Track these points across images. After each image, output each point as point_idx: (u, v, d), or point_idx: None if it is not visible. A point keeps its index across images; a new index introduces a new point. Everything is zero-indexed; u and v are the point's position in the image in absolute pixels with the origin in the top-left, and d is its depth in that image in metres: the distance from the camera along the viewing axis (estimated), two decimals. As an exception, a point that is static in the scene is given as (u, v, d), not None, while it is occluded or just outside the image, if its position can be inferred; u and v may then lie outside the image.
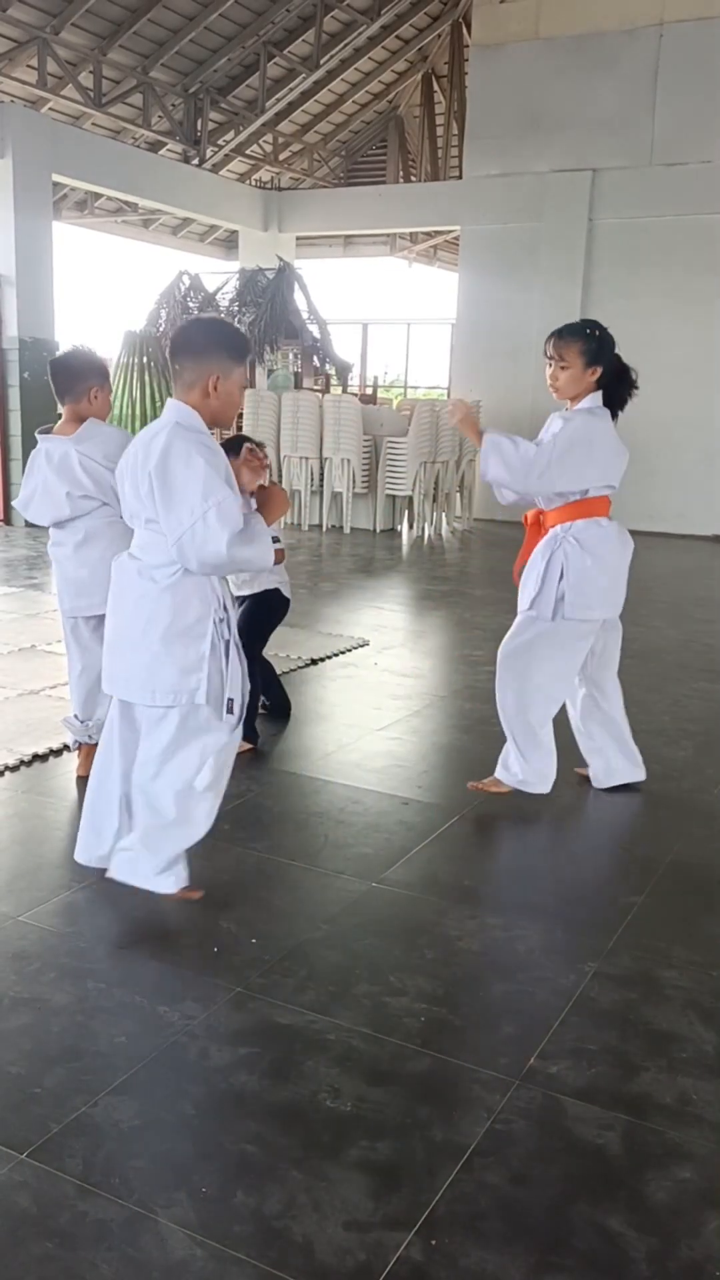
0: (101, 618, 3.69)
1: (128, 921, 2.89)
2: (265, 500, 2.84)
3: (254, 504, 2.87)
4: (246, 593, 4.26)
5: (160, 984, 2.55)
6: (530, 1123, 2.11)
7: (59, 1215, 1.84)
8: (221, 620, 2.70)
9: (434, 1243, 1.81)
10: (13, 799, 3.68)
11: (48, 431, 3.71)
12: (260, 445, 3.17)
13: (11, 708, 4.64)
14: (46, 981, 2.55)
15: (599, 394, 3.54)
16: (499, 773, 3.78)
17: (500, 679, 3.76)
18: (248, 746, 4.19)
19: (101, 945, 2.74)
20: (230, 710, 2.73)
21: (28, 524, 10.71)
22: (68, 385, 3.61)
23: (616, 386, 3.57)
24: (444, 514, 11.39)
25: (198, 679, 2.66)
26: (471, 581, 8.72)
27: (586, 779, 3.97)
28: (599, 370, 3.49)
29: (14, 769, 3.93)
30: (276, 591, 4.32)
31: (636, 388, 3.61)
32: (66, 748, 4.13)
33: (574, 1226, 1.85)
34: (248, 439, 4.38)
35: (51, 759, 4.06)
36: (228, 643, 2.72)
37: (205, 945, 2.74)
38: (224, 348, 2.64)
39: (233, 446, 4.25)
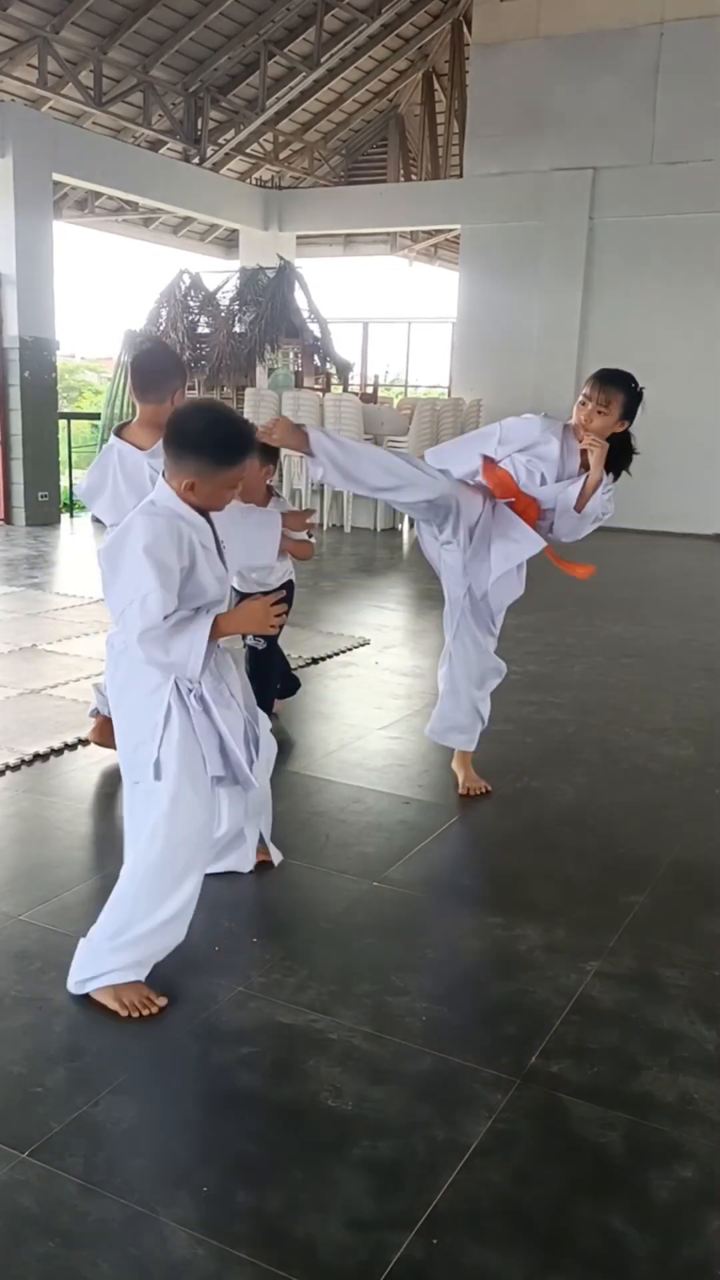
0: None
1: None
2: (236, 615, 2.50)
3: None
4: (269, 587, 4.23)
5: (161, 983, 2.55)
6: (532, 1122, 2.11)
7: (60, 1214, 1.84)
8: (189, 691, 2.45)
9: (435, 1242, 1.81)
10: (14, 798, 3.68)
11: (124, 427, 3.66)
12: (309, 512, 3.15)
13: (12, 707, 4.64)
14: (48, 981, 2.55)
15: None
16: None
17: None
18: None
19: (103, 944, 2.74)
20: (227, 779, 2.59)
21: (30, 520, 10.73)
22: (153, 384, 3.55)
23: (621, 452, 3.59)
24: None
25: (148, 752, 2.42)
26: (472, 580, 8.72)
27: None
28: (626, 425, 3.54)
29: (15, 768, 3.93)
30: (291, 583, 4.39)
31: (637, 453, 3.63)
32: (68, 746, 4.13)
33: (575, 1226, 1.85)
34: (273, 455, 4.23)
35: (53, 758, 4.06)
36: (205, 711, 2.48)
37: (206, 944, 2.74)
38: (201, 453, 2.33)
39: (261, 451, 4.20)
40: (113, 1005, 2.42)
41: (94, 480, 3.68)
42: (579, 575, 3.77)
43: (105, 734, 3.86)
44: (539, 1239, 1.82)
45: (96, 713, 3.99)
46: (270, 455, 4.01)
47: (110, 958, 2.44)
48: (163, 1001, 2.45)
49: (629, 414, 3.51)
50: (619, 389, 3.49)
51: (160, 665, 2.37)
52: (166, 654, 2.33)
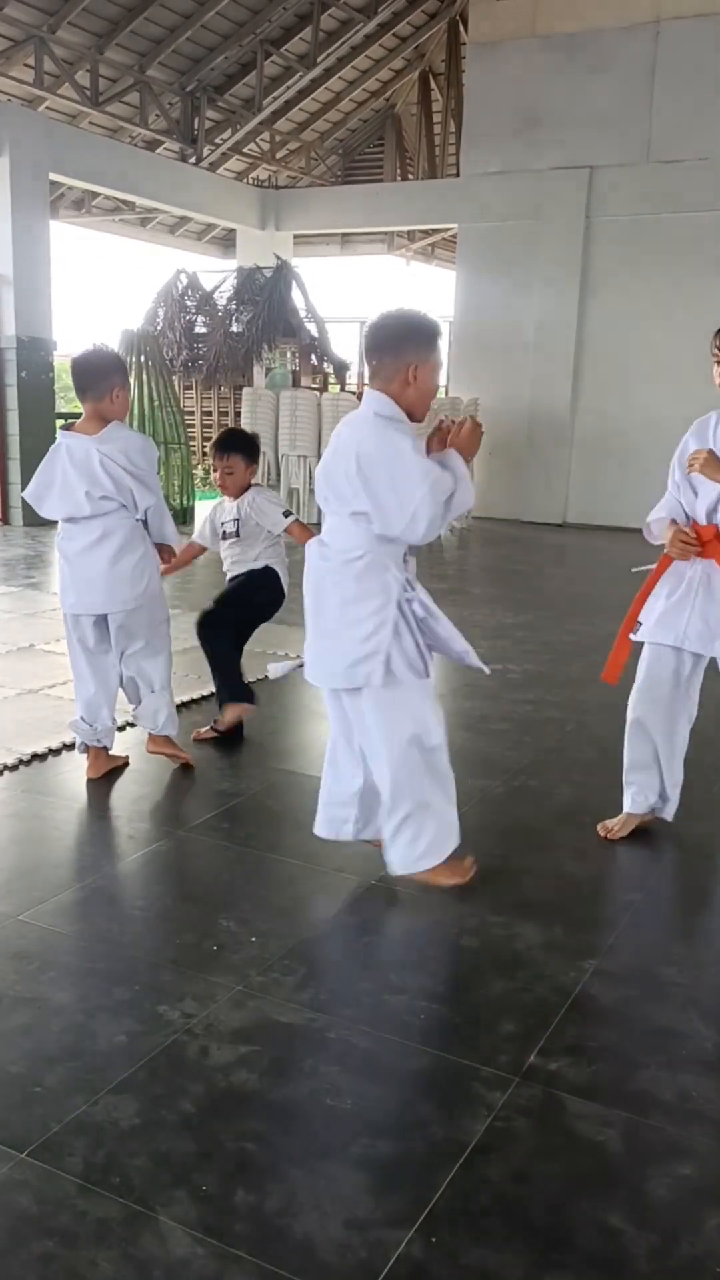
0: (102, 618, 3.70)
1: (127, 920, 2.89)
2: (464, 443, 2.86)
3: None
4: (239, 571, 4.33)
5: (160, 983, 2.55)
6: (530, 1120, 2.11)
7: (59, 1214, 1.84)
8: (409, 600, 2.82)
9: (434, 1240, 1.81)
10: (12, 799, 3.68)
11: (69, 428, 3.72)
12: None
13: (10, 707, 4.64)
14: (46, 980, 2.55)
15: None
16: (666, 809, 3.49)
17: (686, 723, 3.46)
18: (249, 709, 4.30)
19: (101, 944, 2.74)
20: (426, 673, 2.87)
21: (27, 520, 10.72)
22: (90, 383, 3.61)
23: None
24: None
25: (379, 659, 2.76)
26: (470, 580, 8.72)
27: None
28: None
29: (13, 768, 3.92)
30: (270, 571, 4.34)
31: None
32: (66, 746, 4.13)
33: (574, 1223, 1.85)
34: (241, 432, 4.45)
35: (51, 758, 4.05)
36: (420, 619, 2.85)
37: (205, 944, 2.74)
38: (417, 338, 2.72)
39: (235, 444, 4.27)
40: (447, 880, 2.94)
41: (42, 481, 3.69)
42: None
43: (101, 765, 3.89)
44: (538, 1237, 1.82)
45: (86, 747, 3.88)
46: (253, 456, 4.31)
47: (442, 840, 2.91)
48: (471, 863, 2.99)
49: None
50: None
51: (454, 514, 2.79)
52: (454, 510, 2.77)
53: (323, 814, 3.15)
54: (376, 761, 2.89)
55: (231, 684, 4.27)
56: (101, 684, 3.80)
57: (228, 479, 4.26)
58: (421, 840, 2.89)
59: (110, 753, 3.93)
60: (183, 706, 4.73)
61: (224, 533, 4.33)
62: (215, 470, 4.32)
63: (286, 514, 4.28)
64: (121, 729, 4.36)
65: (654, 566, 3.36)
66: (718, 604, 3.19)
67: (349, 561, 2.78)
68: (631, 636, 3.38)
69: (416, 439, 2.74)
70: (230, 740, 4.30)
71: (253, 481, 4.33)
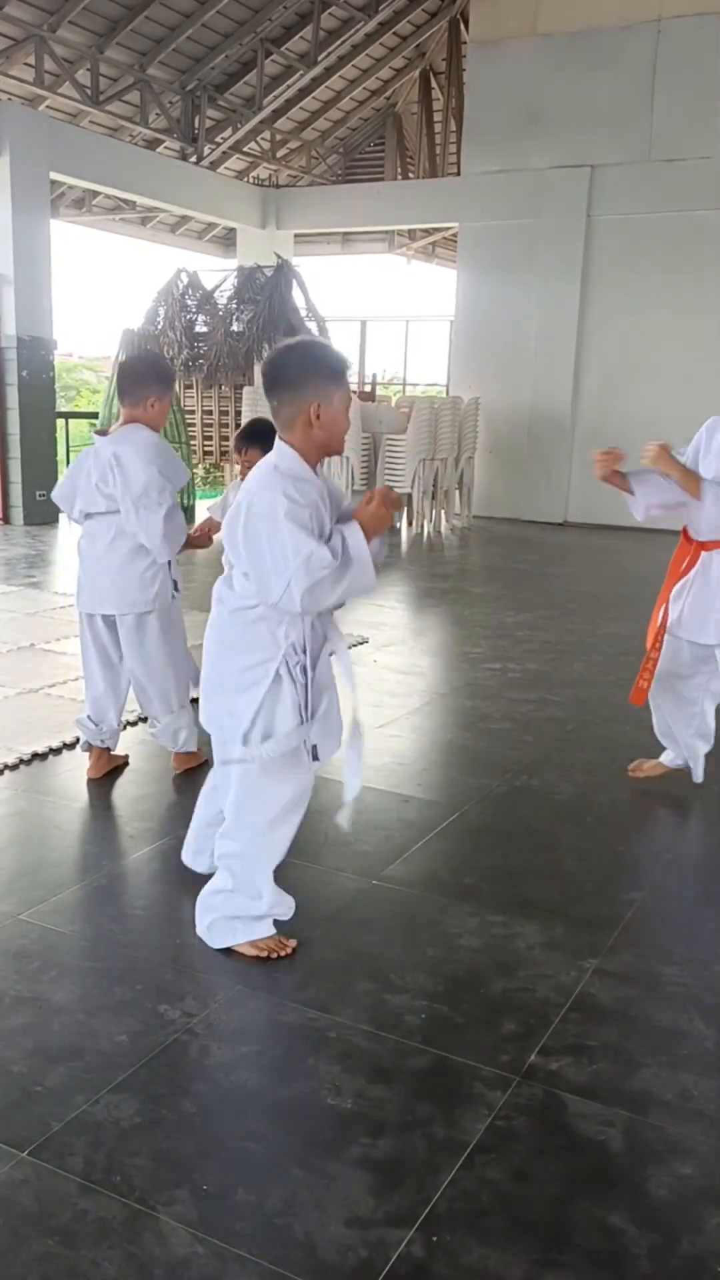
0: (112, 618, 3.68)
1: (128, 919, 2.89)
2: (371, 516, 2.52)
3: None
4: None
5: (161, 982, 2.56)
6: (531, 1119, 2.11)
7: (60, 1213, 1.84)
8: (297, 663, 2.53)
9: (435, 1239, 1.81)
10: (12, 798, 3.68)
11: (104, 434, 3.70)
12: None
13: (11, 706, 4.64)
14: (47, 980, 2.55)
15: None
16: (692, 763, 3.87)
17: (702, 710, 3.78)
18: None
19: (102, 944, 2.74)
20: (314, 756, 2.61)
21: (28, 520, 10.72)
22: (128, 388, 3.62)
23: None
24: (443, 511, 11.39)
25: (247, 720, 2.53)
26: (471, 579, 8.72)
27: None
28: None
29: (13, 768, 3.93)
30: None
31: None
32: (66, 746, 4.13)
33: (575, 1223, 1.86)
34: (263, 423, 4.29)
35: (51, 757, 4.05)
36: (305, 685, 2.55)
37: (205, 943, 2.74)
38: (318, 372, 2.44)
39: (256, 436, 4.13)
40: (252, 952, 2.67)
41: (70, 481, 3.71)
42: None
43: (102, 765, 3.89)
44: (538, 1236, 1.83)
45: (90, 746, 3.87)
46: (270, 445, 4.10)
47: (249, 927, 2.69)
48: (292, 943, 2.72)
49: None
50: None
51: (330, 603, 2.48)
52: (345, 590, 2.44)
53: (191, 840, 3.02)
54: (224, 832, 2.70)
55: None
56: (110, 686, 3.79)
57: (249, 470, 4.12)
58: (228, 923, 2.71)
59: (112, 752, 3.93)
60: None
61: None
62: (240, 464, 4.09)
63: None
64: (123, 728, 4.36)
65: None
66: (706, 598, 3.53)
67: (238, 610, 2.55)
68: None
69: (320, 491, 2.48)
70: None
71: None
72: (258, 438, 4.16)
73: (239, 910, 2.69)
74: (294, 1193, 1.90)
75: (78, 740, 4.17)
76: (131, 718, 4.30)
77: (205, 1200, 1.88)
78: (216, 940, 2.70)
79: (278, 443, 2.53)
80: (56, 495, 3.78)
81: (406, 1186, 1.92)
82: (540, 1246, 1.80)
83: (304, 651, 2.54)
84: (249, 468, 4.11)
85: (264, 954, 2.67)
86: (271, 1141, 2.04)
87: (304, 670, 2.54)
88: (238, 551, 2.50)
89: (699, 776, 3.86)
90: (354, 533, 2.46)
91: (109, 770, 3.90)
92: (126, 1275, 1.72)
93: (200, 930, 2.74)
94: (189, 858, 3.03)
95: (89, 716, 3.82)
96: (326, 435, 2.49)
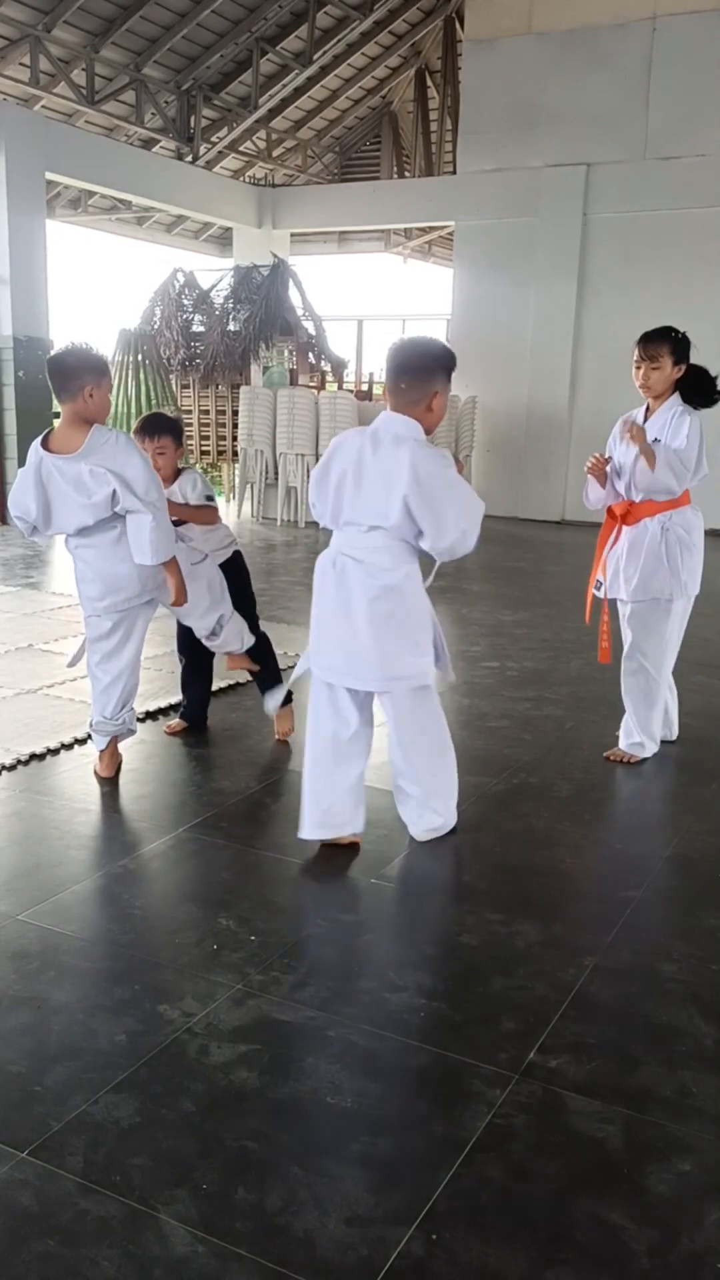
0: (123, 614, 3.69)
1: (127, 920, 2.89)
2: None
3: None
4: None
5: (160, 982, 2.56)
6: (530, 1117, 2.12)
7: (60, 1213, 1.84)
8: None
9: (435, 1237, 1.81)
10: (11, 799, 3.68)
11: (47, 438, 3.59)
12: None
13: (9, 707, 4.64)
14: (46, 980, 2.55)
15: (678, 393, 3.97)
16: (626, 744, 4.19)
17: (629, 663, 4.14)
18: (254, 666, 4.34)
19: (101, 944, 2.74)
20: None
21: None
22: (62, 384, 3.52)
23: (696, 385, 3.97)
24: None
25: (429, 662, 3.16)
26: (468, 577, 8.72)
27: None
28: (682, 368, 3.94)
29: (11, 768, 3.92)
30: (238, 554, 4.30)
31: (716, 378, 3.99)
32: (65, 746, 4.13)
33: (575, 1220, 1.86)
34: (162, 416, 4.26)
35: (49, 758, 4.05)
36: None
37: (205, 943, 2.74)
38: (445, 367, 3.00)
39: (158, 427, 4.06)
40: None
41: (38, 502, 3.61)
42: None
43: (113, 765, 3.91)
44: (538, 1233, 1.83)
45: (106, 745, 3.88)
46: (179, 438, 4.19)
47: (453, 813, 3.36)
48: None
49: (682, 357, 3.94)
50: (662, 340, 3.94)
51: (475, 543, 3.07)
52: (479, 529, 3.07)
53: (312, 816, 3.22)
54: (411, 751, 3.23)
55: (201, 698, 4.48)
56: (116, 677, 3.78)
57: (159, 459, 4.02)
58: (446, 809, 3.36)
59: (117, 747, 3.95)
60: (160, 713, 4.74)
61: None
62: (147, 452, 4.00)
63: (210, 498, 4.19)
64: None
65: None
66: (632, 560, 4.00)
67: (392, 575, 3.05)
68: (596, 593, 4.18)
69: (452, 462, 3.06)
70: (229, 740, 4.30)
71: (180, 465, 4.19)
72: (164, 428, 4.09)
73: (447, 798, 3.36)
74: (294, 1191, 1.90)
75: (76, 740, 4.18)
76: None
77: (205, 1199, 1.88)
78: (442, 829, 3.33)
79: (403, 419, 2.99)
80: (19, 513, 3.65)
81: (406, 1185, 1.92)
82: (540, 1244, 1.81)
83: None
84: (159, 455, 4.02)
85: None
86: (271, 1140, 2.04)
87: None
88: (385, 514, 2.98)
89: (675, 731, 4.39)
90: None
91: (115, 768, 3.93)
92: (126, 1274, 1.72)
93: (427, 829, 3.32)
94: (332, 829, 3.26)
95: (105, 717, 3.81)
96: (435, 418, 3.03)
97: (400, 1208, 1.87)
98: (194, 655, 4.36)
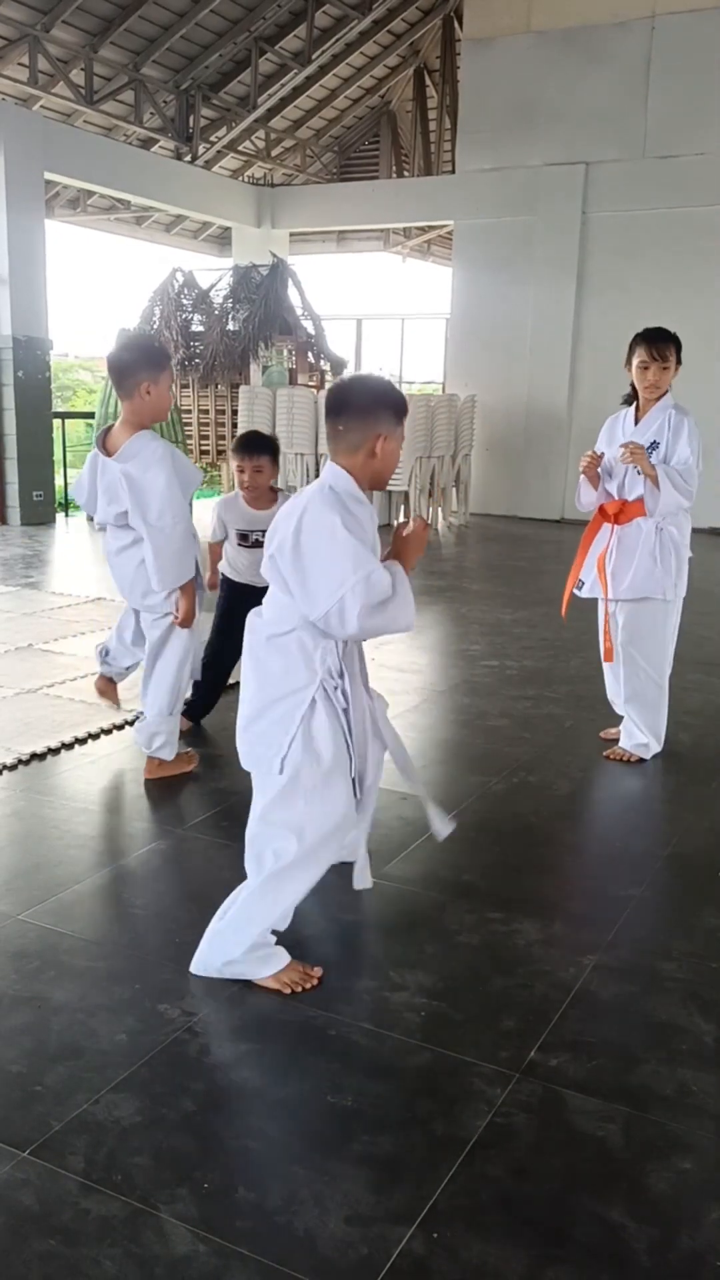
0: (154, 619, 3.78)
1: (127, 919, 2.89)
2: (402, 547, 2.56)
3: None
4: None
5: (160, 981, 2.56)
6: (531, 1116, 2.12)
7: (61, 1212, 1.84)
8: (335, 688, 2.49)
9: (436, 1236, 1.81)
10: (11, 798, 3.68)
11: (107, 431, 3.61)
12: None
13: (9, 706, 4.64)
14: (47, 980, 2.55)
15: (670, 392, 4.06)
16: (630, 745, 4.17)
17: (629, 666, 4.10)
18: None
19: (101, 943, 2.74)
20: (358, 787, 2.59)
21: (25, 520, 10.72)
22: (119, 382, 3.45)
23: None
24: (440, 509, 11.39)
25: (281, 746, 2.47)
26: (468, 576, 8.73)
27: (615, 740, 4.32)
28: (678, 369, 4.05)
29: (11, 768, 3.92)
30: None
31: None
32: (65, 746, 4.14)
33: (575, 1218, 1.86)
34: (263, 435, 4.23)
35: (50, 757, 4.06)
36: (345, 710, 2.51)
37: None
38: (390, 407, 2.49)
39: (255, 445, 4.06)
40: (275, 986, 2.54)
41: (88, 490, 3.72)
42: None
43: (112, 692, 4.20)
44: (539, 1232, 1.83)
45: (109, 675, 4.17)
46: (276, 456, 4.13)
47: (256, 966, 2.55)
48: (317, 972, 2.59)
49: (680, 357, 4.06)
50: (669, 341, 4.00)
51: (376, 630, 2.42)
52: (389, 621, 2.41)
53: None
54: (262, 843, 2.56)
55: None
56: (150, 678, 3.82)
57: (257, 478, 4.04)
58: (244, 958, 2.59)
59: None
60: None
61: (252, 540, 4.11)
62: (242, 471, 4.05)
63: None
64: (121, 727, 4.37)
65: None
66: (625, 560, 4.01)
67: (274, 636, 2.51)
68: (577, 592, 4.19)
69: (371, 516, 2.50)
70: (229, 740, 4.30)
71: (275, 485, 4.18)
72: (264, 448, 4.05)
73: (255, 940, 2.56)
74: (294, 1190, 1.90)
75: (76, 740, 4.19)
76: (130, 716, 4.31)
77: (206, 1198, 1.88)
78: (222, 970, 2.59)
79: (332, 465, 2.50)
80: (80, 498, 3.79)
81: (407, 1183, 1.93)
82: (540, 1242, 1.81)
83: (340, 676, 2.50)
84: (256, 474, 4.04)
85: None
86: (272, 1139, 2.04)
87: (343, 695, 2.50)
88: (280, 567, 2.44)
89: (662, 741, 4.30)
90: (398, 569, 2.46)
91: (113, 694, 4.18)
92: (127, 1274, 1.72)
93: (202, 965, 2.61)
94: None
95: (106, 650, 4.07)
96: (381, 467, 2.51)
97: (401, 1206, 1.87)
98: (228, 639, 4.21)
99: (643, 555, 3.96)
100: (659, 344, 3.94)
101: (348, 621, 2.34)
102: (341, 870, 3.17)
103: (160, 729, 3.80)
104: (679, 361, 3.99)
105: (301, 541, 2.39)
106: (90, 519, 3.84)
